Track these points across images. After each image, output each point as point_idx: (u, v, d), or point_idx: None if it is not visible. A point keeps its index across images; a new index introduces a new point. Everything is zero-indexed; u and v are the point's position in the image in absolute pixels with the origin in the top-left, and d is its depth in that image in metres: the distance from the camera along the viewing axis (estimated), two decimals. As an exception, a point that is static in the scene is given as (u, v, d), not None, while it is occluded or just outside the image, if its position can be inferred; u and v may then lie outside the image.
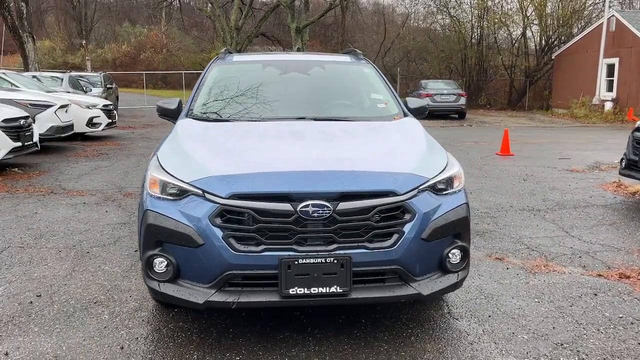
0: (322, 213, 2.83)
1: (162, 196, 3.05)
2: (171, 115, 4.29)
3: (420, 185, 3.05)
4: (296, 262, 2.83)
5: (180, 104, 4.37)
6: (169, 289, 2.97)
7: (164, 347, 3.19)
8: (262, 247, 2.86)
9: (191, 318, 3.53)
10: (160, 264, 2.99)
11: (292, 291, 2.85)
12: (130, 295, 3.90)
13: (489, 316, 3.61)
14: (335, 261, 2.85)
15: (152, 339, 3.28)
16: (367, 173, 3.03)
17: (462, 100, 22.96)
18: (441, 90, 23.23)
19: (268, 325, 3.45)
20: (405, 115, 4.23)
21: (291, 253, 2.85)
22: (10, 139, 8.47)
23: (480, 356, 3.10)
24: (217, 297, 2.88)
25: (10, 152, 8.50)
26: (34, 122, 10.46)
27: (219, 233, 2.86)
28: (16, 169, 9.00)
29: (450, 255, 3.12)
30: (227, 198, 2.87)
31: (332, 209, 2.84)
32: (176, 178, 3.04)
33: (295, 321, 3.50)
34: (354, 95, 4.54)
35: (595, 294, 3.98)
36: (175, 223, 2.92)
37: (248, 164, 3.12)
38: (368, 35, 44.82)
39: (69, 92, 15.27)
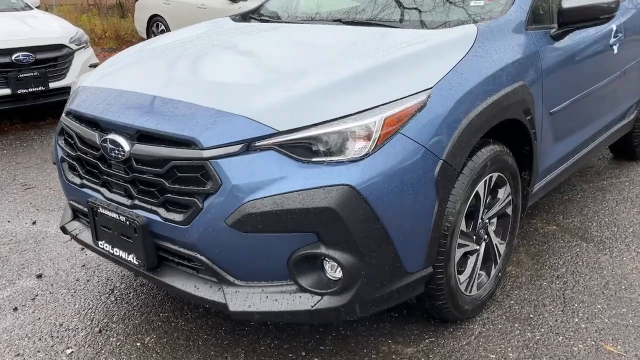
0: (117, 153, 2.06)
1: None
2: None
3: (255, 139, 1.87)
4: (99, 210, 2.18)
5: None
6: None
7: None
8: (82, 181, 2.32)
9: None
10: None
11: (101, 244, 2.26)
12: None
13: None
14: (128, 222, 2.06)
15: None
16: (186, 106, 2.01)
17: None
18: None
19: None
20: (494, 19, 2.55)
21: (99, 196, 2.21)
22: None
23: None
24: (69, 225, 2.53)
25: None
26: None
27: (59, 153, 2.44)
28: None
29: (302, 263, 1.89)
30: (65, 114, 2.41)
31: (127, 149, 2.03)
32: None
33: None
34: None
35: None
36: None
37: (117, 76, 2.49)
38: None
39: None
